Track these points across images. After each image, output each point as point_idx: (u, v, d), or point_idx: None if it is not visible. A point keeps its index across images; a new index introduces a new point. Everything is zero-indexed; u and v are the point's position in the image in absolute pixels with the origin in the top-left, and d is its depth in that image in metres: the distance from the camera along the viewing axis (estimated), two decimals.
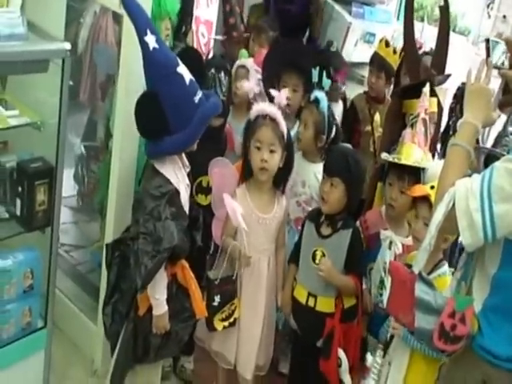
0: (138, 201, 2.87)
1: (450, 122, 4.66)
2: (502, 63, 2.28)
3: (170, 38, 3.78)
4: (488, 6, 18.69)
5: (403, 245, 3.17)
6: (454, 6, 19.36)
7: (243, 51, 4.31)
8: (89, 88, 4.12)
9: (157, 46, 2.72)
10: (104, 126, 3.95)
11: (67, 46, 2.98)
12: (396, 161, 3.19)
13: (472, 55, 15.91)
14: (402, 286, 2.25)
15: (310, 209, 3.48)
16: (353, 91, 4.68)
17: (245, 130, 3.23)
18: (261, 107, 3.18)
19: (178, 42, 3.98)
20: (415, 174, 3.16)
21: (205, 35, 5.37)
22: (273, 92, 3.47)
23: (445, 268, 2.80)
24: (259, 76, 3.91)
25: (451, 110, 4.72)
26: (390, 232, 3.22)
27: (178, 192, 2.86)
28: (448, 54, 4.19)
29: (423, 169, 3.17)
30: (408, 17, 4.13)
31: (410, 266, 2.34)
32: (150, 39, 2.71)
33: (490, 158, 3.82)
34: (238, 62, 4.05)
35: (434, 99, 3.81)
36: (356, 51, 5.21)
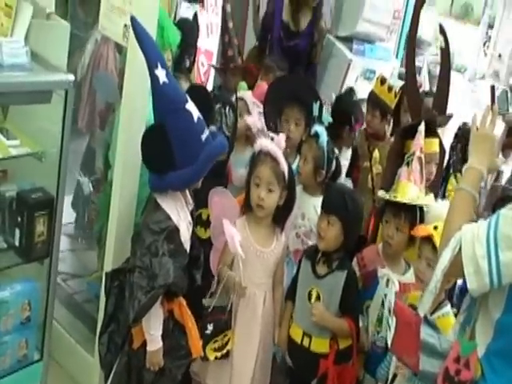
0: (138, 233, 2.86)
1: (451, 161, 4.66)
2: (506, 109, 2.30)
3: (171, 69, 3.77)
4: (484, 44, 18.94)
5: (400, 283, 3.15)
6: (452, 45, 19.45)
7: (242, 83, 4.32)
8: (87, 115, 4.11)
9: (167, 80, 2.72)
10: (103, 156, 3.93)
11: (71, 77, 2.99)
12: (392, 198, 3.20)
13: (468, 92, 16.07)
14: (407, 327, 2.25)
15: (309, 241, 3.47)
16: None
17: (249, 163, 3.23)
18: (264, 144, 3.17)
19: (180, 73, 3.97)
20: (411, 211, 3.18)
21: (204, 64, 5.39)
22: (271, 134, 3.46)
23: (447, 308, 2.79)
24: (259, 109, 3.91)
25: (452, 148, 4.72)
26: (388, 270, 3.21)
27: (177, 229, 2.84)
28: (449, 95, 4.23)
29: (420, 207, 3.19)
30: (409, 57, 4.17)
31: (413, 307, 2.33)
32: (161, 73, 2.70)
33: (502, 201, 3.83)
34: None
35: (436, 140, 3.82)
36: (356, 87, 5.25)
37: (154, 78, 2.71)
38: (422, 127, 3.43)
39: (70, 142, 3.13)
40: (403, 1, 6.03)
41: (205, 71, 5.44)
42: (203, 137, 2.80)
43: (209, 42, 5.42)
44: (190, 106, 2.78)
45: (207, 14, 5.44)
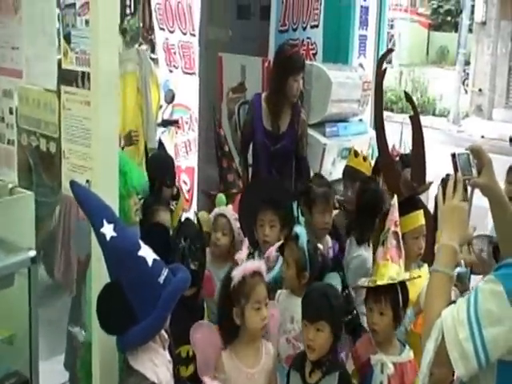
0: None
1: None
2: (471, 173, 2.24)
3: (139, 212, 3.71)
4: (463, 83, 19.18)
5: (396, 364, 3.07)
6: (431, 91, 19.93)
7: (220, 196, 4.21)
8: (63, 267, 4.00)
9: (115, 234, 2.63)
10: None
11: (31, 253, 2.92)
12: (371, 285, 3.18)
13: (454, 134, 16.16)
14: None
15: (301, 344, 3.30)
16: None
17: (226, 290, 3.07)
18: (245, 267, 3.02)
19: (159, 205, 3.87)
20: (392, 291, 3.14)
21: (187, 182, 5.33)
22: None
23: None
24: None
25: (436, 200, 4.64)
26: (380, 355, 3.11)
27: None
28: (426, 163, 4.16)
29: (402, 282, 3.17)
30: (380, 136, 4.13)
31: None
32: (107, 229, 2.62)
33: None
34: (216, 211, 3.97)
35: (420, 212, 3.78)
36: (334, 169, 5.19)
37: (100, 237, 2.64)
38: (394, 201, 3.44)
39: (50, 296, 3.02)
40: (372, 71, 5.99)
41: (188, 189, 5.39)
42: (161, 279, 2.68)
43: (189, 160, 5.40)
44: (144, 251, 2.69)
45: (183, 133, 5.44)
